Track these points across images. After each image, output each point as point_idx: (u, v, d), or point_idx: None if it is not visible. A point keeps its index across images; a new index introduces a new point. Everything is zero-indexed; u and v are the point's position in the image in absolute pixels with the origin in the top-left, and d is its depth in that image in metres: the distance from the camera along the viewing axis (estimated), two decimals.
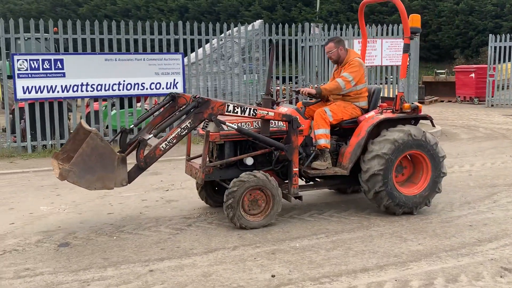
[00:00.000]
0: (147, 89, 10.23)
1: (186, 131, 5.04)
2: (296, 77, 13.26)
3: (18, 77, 9.24)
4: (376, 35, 12.91)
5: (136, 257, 4.46)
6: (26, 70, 9.27)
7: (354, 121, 5.79)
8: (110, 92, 9.97)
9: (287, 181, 5.47)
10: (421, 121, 5.94)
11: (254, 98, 11.73)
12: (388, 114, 5.66)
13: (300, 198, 5.42)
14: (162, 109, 5.53)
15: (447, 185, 6.65)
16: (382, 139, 5.46)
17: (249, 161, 5.36)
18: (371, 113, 5.78)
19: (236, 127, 5.10)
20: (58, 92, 9.52)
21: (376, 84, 12.44)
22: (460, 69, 20.64)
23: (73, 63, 9.59)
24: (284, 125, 5.38)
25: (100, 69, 9.80)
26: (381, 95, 6.18)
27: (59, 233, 5.11)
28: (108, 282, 3.96)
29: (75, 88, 9.65)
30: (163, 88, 10.30)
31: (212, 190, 5.92)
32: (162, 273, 4.13)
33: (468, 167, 8.29)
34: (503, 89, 18.10)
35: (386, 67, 13.12)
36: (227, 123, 5.10)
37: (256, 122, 5.31)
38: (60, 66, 9.48)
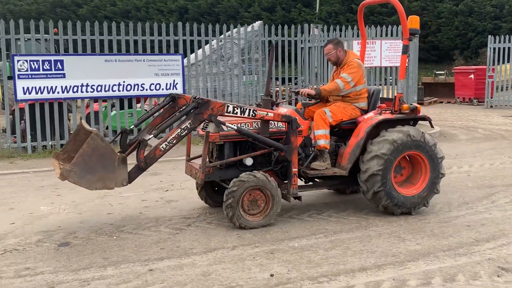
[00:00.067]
0: (147, 90, 10.25)
1: (186, 131, 5.06)
2: (296, 78, 13.28)
3: (18, 77, 9.26)
4: (376, 36, 12.92)
5: (136, 257, 4.48)
6: (26, 71, 9.29)
7: (354, 122, 5.80)
8: (110, 93, 10.00)
9: (286, 181, 5.49)
10: (420, 122, 5.97)
11: (254, 99, 11.75)
12: (387, 115, 5.67)
13: (299, 198, 5.44)
14: (162, 110, 5.54)
15: (445, 186, 6.67)
16: (381, 139, 5.48)
17: (249, 161, 5.37)
18: (370, 114, 5.80)
19: (235, 127, 5.12)
20: (58, 92, 9.54)
21: (375, 85, 12.47)
22: (459, 70, 20.67)
23: (73, 64, 9.61)
24: (284, 126, 5.39)
25: (100, 70, 9.82)
26: (381, 96, 6.20)
27: (59, 233, 5.14)
28: (108, 281, 3.98)
29: (75, 88, 9.67)
30: (163, 89, 10.32)
31: (211, 190, 5.95)
32: (161, 272, 4.15)
33: (467, 167, 8.32)
34: (502, 90, 18.13)
35: (386, 68, 13.13)
36: (227, 124, 5.11)
37: (256, 122, 5.32)
38: (60, 67, 9.50)
